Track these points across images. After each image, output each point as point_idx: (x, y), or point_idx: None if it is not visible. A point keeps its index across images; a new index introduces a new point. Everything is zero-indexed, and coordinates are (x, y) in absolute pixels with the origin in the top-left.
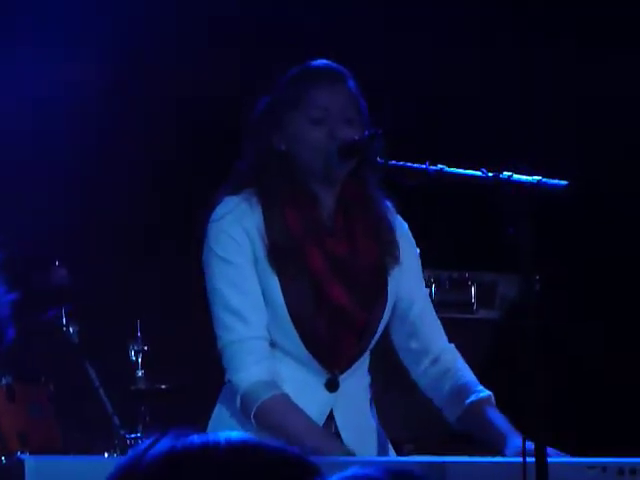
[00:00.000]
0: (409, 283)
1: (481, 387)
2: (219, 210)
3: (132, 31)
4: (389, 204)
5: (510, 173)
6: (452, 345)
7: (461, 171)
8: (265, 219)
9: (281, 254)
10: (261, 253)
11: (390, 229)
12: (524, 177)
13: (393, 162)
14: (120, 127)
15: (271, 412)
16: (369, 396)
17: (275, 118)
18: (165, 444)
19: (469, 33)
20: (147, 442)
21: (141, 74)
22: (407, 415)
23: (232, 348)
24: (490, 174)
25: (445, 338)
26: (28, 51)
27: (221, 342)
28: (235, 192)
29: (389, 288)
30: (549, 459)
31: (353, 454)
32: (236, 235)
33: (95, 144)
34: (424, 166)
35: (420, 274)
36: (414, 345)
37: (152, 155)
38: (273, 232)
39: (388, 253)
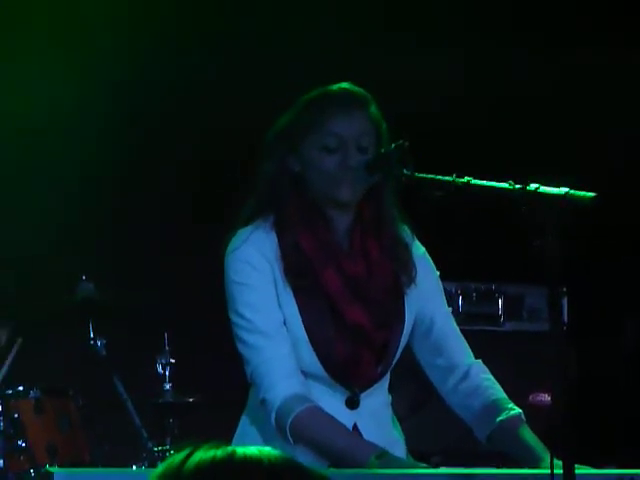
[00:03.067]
0: (429, 304)
1: (511, 404)
2: (235, 242)
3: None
4: (406, 227)
5: (537, 185)
6: (479, 361)
7: (488, 183)
8: (280, 243)
9: (297, 277)
10: (279, 277)
11: (406, 249)
12: (551, 189)
13: (420, 174)
14: (151, 142)
15: (306, 423)
16: (390, 413)
17: (291, 140)
18: (205, 454)
19: (491, 43)
20: (183, 453)
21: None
22: (435, 427)
23: (262, 368)
24: (517, 186)
25: (471, 354)
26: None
27: (250, 365)
28: (248, 223)
29: (406, 307)
30: (577, 471)
31: (387, 453)
32: (254, 261)
33: (126, 159)
34: (451, 178)
35: (441, 295)
36: (440, 362)
37: (182, 170)
38: (288, 255)
39: (404, 272)
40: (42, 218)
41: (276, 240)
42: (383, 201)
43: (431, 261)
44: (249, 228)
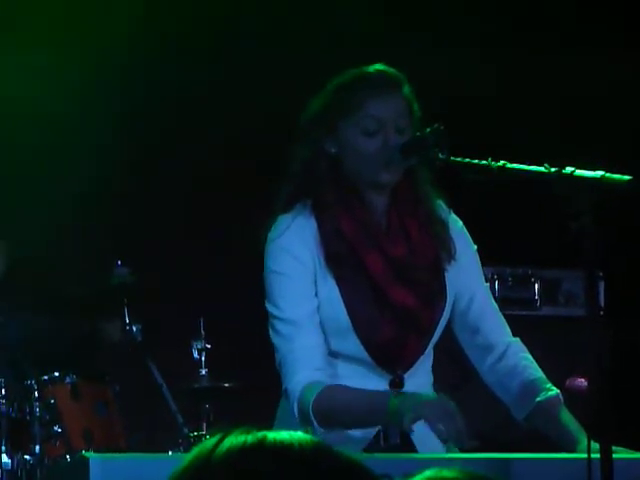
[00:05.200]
0: (467, 279)
1: (549, 385)
2: (276, 229)
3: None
4: (441, 202)
5: (573, 168)
6: (517, 339)
7: (524, 167)
8: (320, 228)
9: (338, 260)
10: (320, 263)
11: (443, 225)
12: (587, 172)
13: (455, 158)
14: (183, 126)
15: (326, 398)
16: (433, 394)
17: (328, 123)
18: (236, 440)
19: (524, 33)
20: (214, 439)
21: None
22: (473, 412)
23: (288, 357)
24: (553, 169)
25: (509, 333)
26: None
27: (279, 353)
28: (287, 209)
29: (447, 284)
30: (615, 455)
31: (403, 393)
32: (295, 250)
33: (157, 143)
34: (487, 162)
35: (479, 270)
36: (478, 341)
37: (216, 155)
38: (329, 241)
39: (443, 249)
40: (77, 204)
41: (316, 226)
42: (417, 180)
43: (469, 235)
44: (290, 215)
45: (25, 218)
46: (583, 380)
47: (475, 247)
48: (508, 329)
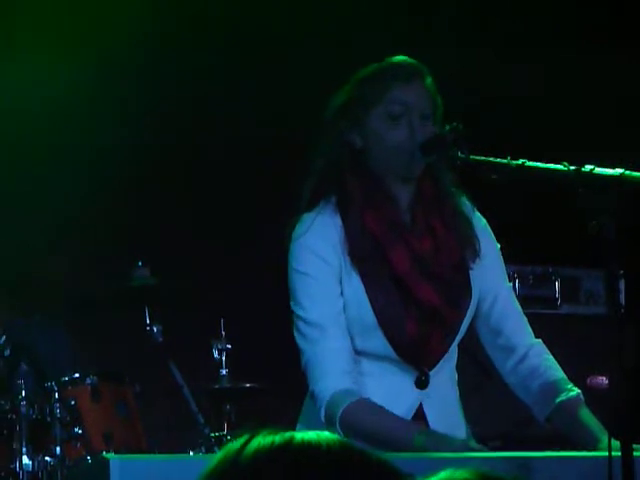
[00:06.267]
0: (491, 279)
1: (571, 385)
2: (299, 228)
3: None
4: (465, 199)
5: (593, 166)
6: (539, 341)
7: (543, 165)
8: (344, 225)
9: (364, 259)
10: (344, 260)
11: (468, 222)
12: (607, 170)
13: (475, 156)
14: (204, 128)
15: (355, 414)
16: (457, 391)
17: (353, 116)
18: (264, 441)
19: (536, 33)
20: (241, 440)
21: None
22: (495, 412)
23: (315, 360)
24: (572, 168)
25: (531, 334)
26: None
27: (304, 356)
28: (311, 207)
29: (472, 283)
30: (635, 453)
31: (429, 430)
32: (319, 249)
33: (175, 143)
34: (506, 160)
35: (503, 269)
36: (500, 342)
37: (235, 158)
38: (354, 238)
39: (468, 247)
40: (99, 203)
41: (340, 222)
42: (440, 176)
43: (492, 233)
44: (312, 214)
45: (44, 219)
46: (604, 378)
47: (499, 246)
48: (530, 330)
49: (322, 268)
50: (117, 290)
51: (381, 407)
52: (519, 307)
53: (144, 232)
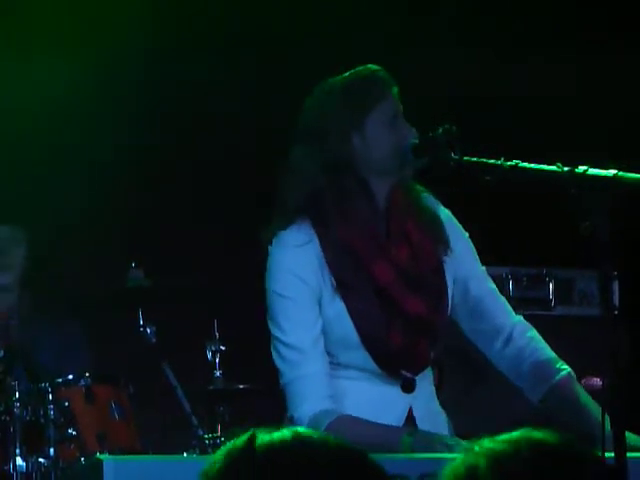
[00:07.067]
0: (463, 266)
1: (561, 362)
2: (277, 247)
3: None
4: (427, 194)
5: (586, 167)
6: (520, 317)
7: (536, 166)
8: (321, 242)
9: (343, 274)
10: (325, 279)
11: (435, 217)
12: (600, 171)
13: (468, 158)
14: (203, 129)
15: (337, 431)
16: (434, 388)
17: (345, 124)
18: (273, 435)
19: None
20: (243, 437)
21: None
22: (486, 413)
23: (294, 385)
24: (565, 169)
25: (512, 312)
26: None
27: (283, 378)
28: (287, 224)
29: (447, 279)
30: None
31: (417, 430)
32: (297, 270)
33: (171, 143)
34: (499, 162)
35: (473, 254)
36: (482, 326)
37: (232, 157)
38: (332, 252)
39: (439, 241)
40: (98, 204)
41: (317, 239)
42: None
43: (458, 222)
44: (289, 232)
45: (40, 219)
46: (598, 380)
47: (467, 234)
48: (510, 309)
49: (301, 289)
50: (111, 291)
51: (361, 419)
52: (495, 288)
53: (138, 233)
